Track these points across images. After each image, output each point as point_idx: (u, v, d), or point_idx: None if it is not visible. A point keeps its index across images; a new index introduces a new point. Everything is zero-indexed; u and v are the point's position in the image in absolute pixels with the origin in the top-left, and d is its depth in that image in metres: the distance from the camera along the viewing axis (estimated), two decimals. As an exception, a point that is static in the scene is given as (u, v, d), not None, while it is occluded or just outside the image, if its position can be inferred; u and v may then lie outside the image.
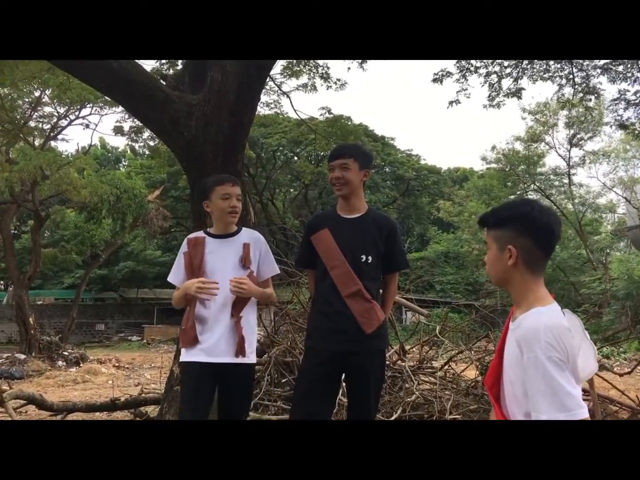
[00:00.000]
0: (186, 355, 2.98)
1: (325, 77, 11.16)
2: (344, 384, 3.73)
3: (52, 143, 19.10)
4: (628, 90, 9.53)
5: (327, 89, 11.42)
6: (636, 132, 9.88)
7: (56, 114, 17.50)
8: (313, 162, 26.95)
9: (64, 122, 17.96)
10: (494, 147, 26.33)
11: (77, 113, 17.60)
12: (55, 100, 16.37)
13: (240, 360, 2.96)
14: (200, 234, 3.14)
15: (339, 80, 11.19)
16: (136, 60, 4.32)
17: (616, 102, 9.78)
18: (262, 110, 15.54)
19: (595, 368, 1.77)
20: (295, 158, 28.90)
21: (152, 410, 5.49)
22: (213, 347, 2.93)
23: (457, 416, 4.58)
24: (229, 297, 2.97)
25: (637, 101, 9.40)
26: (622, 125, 10.13)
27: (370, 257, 2.97)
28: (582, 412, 1.48)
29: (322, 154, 26.10)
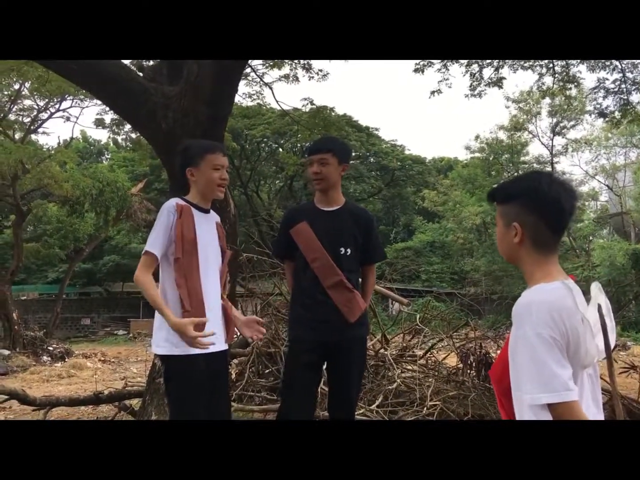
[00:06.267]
0: (188, 347, 2.54)
1: (307, 68, 11.12)
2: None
3: (33, 136, 18.95)
4: (607, 79, 9.66)
5: (310, 79, 11.37)
6: (615, 120, 9.97)
7: (36, 107, 17.32)
8: (297, 154, 26.89)
9: (44, 115, 17.78)
10: (477, 137, 26.55)
11: (57, 106, 17.43)
12: (34, 93, 16.15)
13: (226, 346, 2.82)
14: (183, 202, 2.75)
15: (320, 71, 11.15)
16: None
17: (595, 90, 9.88)
18: (244, 101, 15.49)
19: (598, 351, 1.53)
20: (280, 149, 28.79)
21: (136, 403, 5.49)
22: (216, 333, 2.62)
23: (437, 402, 4.65)
24: (218, 277, 2.79)
25: (616, 89, 9.49)
26: (602, 114, 10.23)
27: (349, 250, 3.03)
28: (567, 394, 1.37)
29: (306, 145, 26.05)
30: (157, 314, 2.69)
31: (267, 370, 5.74)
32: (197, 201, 2.79)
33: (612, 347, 1.57)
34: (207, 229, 2.79)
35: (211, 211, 2.90)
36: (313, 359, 2.99)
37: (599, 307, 1.55)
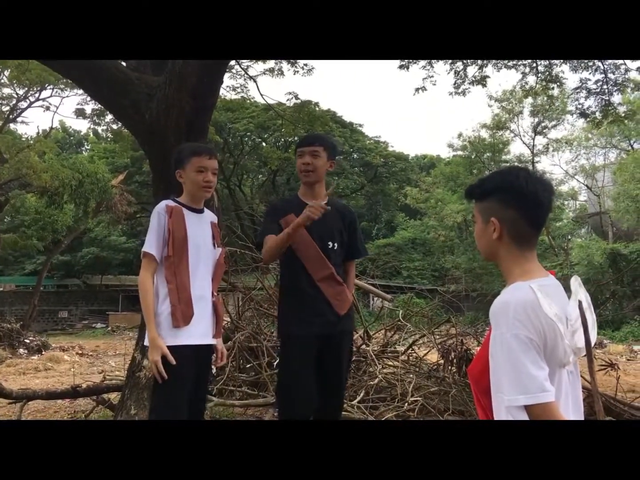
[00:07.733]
0: (175, 338, 2.67)
1: (292, 62, 11.05)
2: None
3: (11, 126, 18.61)
4: (589, 79, 9.74)
5: (294, 74, 11.29)
6: (596, 120, 10.06)
7: (15, 96, 17.03)
8: (281, 148, 26.81)
9: (23, 104, 17.48)
10: (460, 135, 26.71)
11: (37, 95, 17.15)
12: (14, 81, 15.88)
13: (214, 341, 2.88)
14: (174, 203, 2.84)
15: (305, 65, 11.09)
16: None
17: (577, 90, 9.95)
18: (228, 94, 15.37)
19: (578, 349, 1.51)
20: (263, 144, 28.68)
21: (114, 397, 5.43)
22: (203, 327, 2.77)
23: (418, 398, 4.67)
24: (209, 274, 2.88)
25: (598, 90, 9.58)
26: (583, 114, 10.31)
27: (335, 245, 3.07)
28: (543, 396, 1.36)
29: (289, 139, 25.98)
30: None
31: (248, 365, 5.72)
32: (187, 201, 2.87)
33: (593, 343, 1.54)
34: (199, 228, 2.86)
35: (206, 211, 2.96)
36: (310, 353, 2.99)
37: (580, 303, 1.53)
